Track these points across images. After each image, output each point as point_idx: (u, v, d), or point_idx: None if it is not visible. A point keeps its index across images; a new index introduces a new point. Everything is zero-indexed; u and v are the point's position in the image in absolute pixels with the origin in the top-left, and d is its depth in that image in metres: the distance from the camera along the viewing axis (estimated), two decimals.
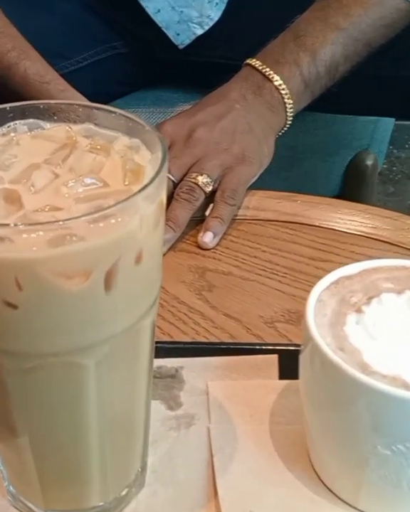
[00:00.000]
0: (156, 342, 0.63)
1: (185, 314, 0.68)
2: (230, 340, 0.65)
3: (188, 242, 0.76)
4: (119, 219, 0.36)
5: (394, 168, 2.04)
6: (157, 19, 1.03)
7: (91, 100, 0.88)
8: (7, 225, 0.35)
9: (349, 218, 0.77)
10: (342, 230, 0.76)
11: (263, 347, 0.61)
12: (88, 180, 0.40)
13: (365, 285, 0.50)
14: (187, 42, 1.05)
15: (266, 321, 0.67)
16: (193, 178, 0.76)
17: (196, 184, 0.76)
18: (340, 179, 1.20)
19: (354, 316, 0.47)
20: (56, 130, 0.44)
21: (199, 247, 0.75)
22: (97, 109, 0.44)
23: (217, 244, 0.76)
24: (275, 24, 0.85)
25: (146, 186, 0.37)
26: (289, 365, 0.60)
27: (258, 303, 0.69)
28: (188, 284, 0.71)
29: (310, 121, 1.11)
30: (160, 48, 1.08)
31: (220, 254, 0.75)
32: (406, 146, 2.07)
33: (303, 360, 0.49)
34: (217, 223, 0.75)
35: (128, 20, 1.07)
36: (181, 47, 1.05)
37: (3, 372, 0.40)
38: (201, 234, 0.75)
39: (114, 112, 0.43)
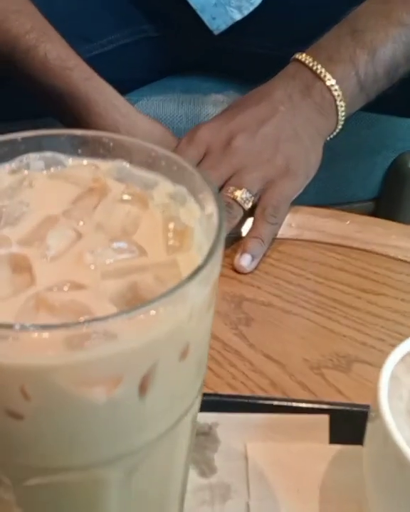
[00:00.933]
0: None
1: (219, 352, 0.59)
2: (271, 388, 0.56)
3: (223, 264, 0.67)
4: (164, 312, 0.27)
5: None
6: (192, 1, 0.93)
7: (115, 87, 0.79)
8: (9, 326, 0.26)
9: (407, 244, 0.68)
10: (398, 257, 0.67)
11: (312, 405, 0.53)
12: (121, 246, 0.31)
13: None
14: (223, 27, 0.94)
15: (312, 365, 0.58)
16: (231, 192, 0.67)
17: (234, 200, 0.67)
18: (379, 182, 1.11)
19: None
20: (80, 169, 0.35)
21: (235, 270, 0.67)
22: (133, 144, 0.35)
23: (255, 268, 0.67)
24: (323, 13, 0.74)
25: (201, 268, 0.28)
26: (341, 427, 0.52)
27: (302, 343, 0.60)
28: (223, 316, 0.63)
29: (352, 119, 1.01)
30: (193, 33, 0.98)
31: (259, 281, 0.66)
32: None
33: (372, 450, 0.41)
34: (256, 244, 0.67)
35: (160, 0, 0.97)
36: (216, 32, 0.95)
37: (3, 488, 0.32)
38: (237, 256, 0.67)
39: (155, 150, 0.34)
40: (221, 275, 0.67)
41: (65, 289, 0.29)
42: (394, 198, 1.12)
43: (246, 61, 0.98)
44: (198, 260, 0.29)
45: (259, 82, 0.76)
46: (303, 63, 0.73)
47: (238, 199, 0.67)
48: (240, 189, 0.67)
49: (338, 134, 0.78)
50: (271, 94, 0.73)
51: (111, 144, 0.35)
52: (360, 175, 1.09)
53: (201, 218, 0.32)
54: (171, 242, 0.31)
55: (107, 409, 0.29)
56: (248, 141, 0.69)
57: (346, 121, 0.76)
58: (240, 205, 0.67)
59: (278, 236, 0.70)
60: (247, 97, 0.74)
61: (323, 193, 1.10)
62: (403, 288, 0.64)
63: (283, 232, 0.70)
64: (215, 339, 0.60)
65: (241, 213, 0.67)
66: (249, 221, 0.69)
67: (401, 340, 0.59)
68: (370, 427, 0.42)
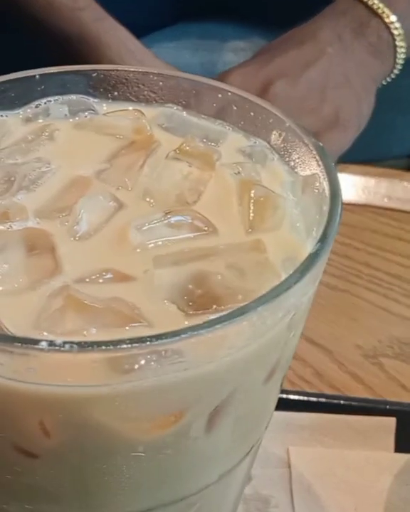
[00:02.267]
0: None
1: None
2: (316, 379, 0.48)
3: None
4: (259, 322, 0.19)
5: None
6: None
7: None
8: (32, 342, 0.17)
9: None
10: None
11: (374, 404, 0.44)
12: (179, 221, 0.22)
13: None
14: None
15: (367, 353, 0.50)
16: None
17: None
18: None
19: None
20: (116, 116, 0.26)
21: None
22: (189, 82, 0.26)
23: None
24: None
25: (315, 257, 0.19)
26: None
27: (353, 326, 0.52)
28: None
29: None
30: None
31: None
32: None
33: None
34: None
35: None
36: None
37: None
38: None
39: (221, 90, 0.25)
40: None
41: (104, 280, 0.20)
42: None
43: (272, 1, 0.87)
44: (296, 242, 0.20)
45: (288, 28, 0.66)
46: None
47: None
48: None
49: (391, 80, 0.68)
50: (317, 34, 0.63)
51: (159, 83, 0.26)
52: (397, 129, 1.00)
53: (293, 184, 0.23)
54: (251, 217, 0.22)
55: (155, 449, 0.21)
56: (289, 87, 0.60)
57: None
58: None
59: None
60: (286, 38, 0.64)
61: (356, 147, 1.00)
62: None
63: None
64: None
65: None
66: None
67: None
68: None
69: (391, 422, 0.43)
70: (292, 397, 0.45)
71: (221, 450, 0.22)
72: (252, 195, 0.22)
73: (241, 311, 0.17)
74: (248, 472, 0.28)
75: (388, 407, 0.44)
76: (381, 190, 0.61)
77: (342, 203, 0.21)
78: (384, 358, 0.49)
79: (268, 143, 0.24)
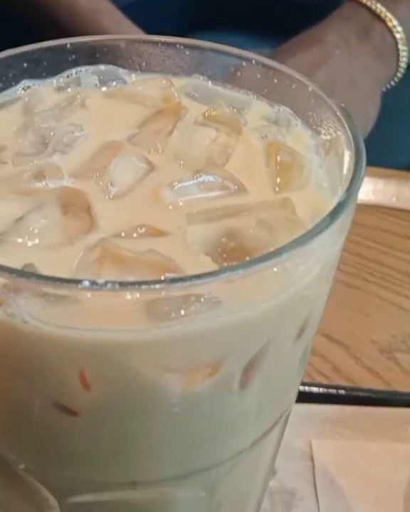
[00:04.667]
0: None
1: None
2: (334, 374, 0.48)
3: None
4: (291, 269, 0.19)
5: None
6: None
7: None
8: (72, 282, 0.18)
9: None
10: None
11: (392, 396, 0.44)
12: (210, 180, 0.22)
13: None
14: None
15: (382, 348, 0.50)
16: None
17: None
18: None
19: None
20: (146, 85, 0.26)
21: None
22: (216, 52, 0.26)
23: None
24: None
25: (342, 206, 0.19)
26: None
27: (368, 321, 0.52)
28: None
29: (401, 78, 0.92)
30: None
31: None
32: None
33: None
34: None
35: None
36: None
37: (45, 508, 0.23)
38: None
39: (246, 59, 0.26)
40: None
41: (137, 234, 0.20)
42: None
43: (282, 12, 0.88)
44: (322, 200, 0.21)
45: None
46: (360, 2, 0.64)
47: None
48: None
49: (395, 84, 0.69)
50: (324, 38, 0.64)
51: (187, 53, 0.26)
52: (401, 139, 1.00)
53: (316, 147, 0.24)
54: (279, 176, 0.22)
55: (192, 405, 0.21)
56: None
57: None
58: None
59: None
60: (295, 42, 0.65)
61: None
62: None
63: None
64: None
65: None
66: None
67: None
68: None
69: (408, 413, 0.43)
70: (312, 389, 0.45)
71: (253, 411, 0.22)
72: (278, 156, 0.23)
73: (274, 254, 0.18)
74: (278, 445, 0.28)
75: (403, 398, 0.44)
76: (390, 191, 0.61)
77: (364, 154, 0.21)
78: (398, 352, 0.49)
79: (291, 109, 0.25)
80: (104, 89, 0.26)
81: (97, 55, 0.26)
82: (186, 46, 0.26)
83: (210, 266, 0.20)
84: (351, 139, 0.22)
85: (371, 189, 0.62)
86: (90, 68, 0.26)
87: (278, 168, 0.22)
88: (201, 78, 0.26)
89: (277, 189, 0.22)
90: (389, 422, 0.43)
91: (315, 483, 0.41)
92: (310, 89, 0.24)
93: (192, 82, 0.26)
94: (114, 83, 0.26)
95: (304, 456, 0.42)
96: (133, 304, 0.18)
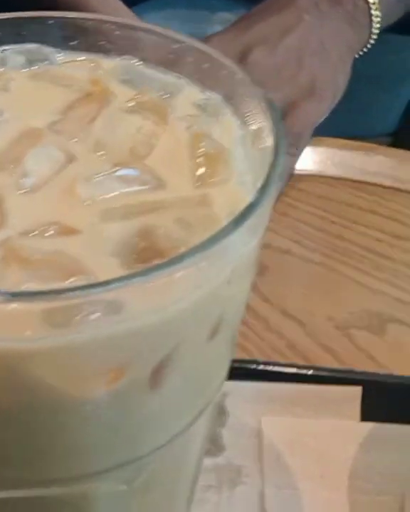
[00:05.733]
0: None
1: None
2: (289, 351, 0.48)
3: None
4: (196, 273, 0.18)
5: None
6: None
7: None
8: None
9: None
10: None
11: (341, 374, 0.44)
12: (128, 174, 0.22)
13: None
14: None
15: (338, 325, 0.50)
16: None
17: None
18: (400, 115, 1.01)
19: None
20: (74, 67, 0.25)
21: None
22: (148, 33, 0.25)
23: (272, 208, 0.57)
24: None
25: (253, 207, 0.19)
26: (376, 402, 0.44)
27: (326, 298, 0.51)
28: None
29: (380, 43, 0.90)
30: None
31: (275, 223, 0.57)
32: None
33: None
34: None
35: None
36: None
37: None
38: None
39: (178, 41, 0.24)
40: None
41: (49, 234, 0.20)
42: None
43: None
44: (242, 196, 0.20)
45: None
46: None
47: None
48: None
49: (366, 53, 0.68)
50: (295, 2, 0.62)
51: (117, 33, 0.25)
52: (379, 106, 0.99)
53: (243, 138, 0.23)
54: (200, 171, 0.22)
55: (101, 407, 0.20)
56: (267, 55, 0.59)
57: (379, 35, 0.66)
58: None
59: (298, 171, 0.60)
60: (265, 5, 0.63)
61: (334, 124, 0.99)
62: None
63: (304, 166, 0.61)
64: None
65: None
66: None
67: None
68: None
69: (357, 391, 0.43)
70: (266, 368, 0.45)
71: (169, 410, 0.22)
72: (201, 149, 0.22)
73: (177, 260, 0.17)
74: (205, 437, 0.28)
75: (354, 376, 0.44)
76: (356, 164, 0.60)
77: (283, 152, 0.20)
78: (354, 329, 0.49)
79: (222, 96, 0.24)
80: (30, 69, 0.25)
81: (24, 33, 0.25)
82: (118, 25, 0.25)
83: (118, 268, 0.19)
84: (272, 132, 0.21)
85: (338, 161, 0.61)
86: (16, 47, 0.25)
87: (200, 161, 0.22)
88: (133, 60, 0.25)
89: (197, 184, 0.21)
90: (339, 400, 0.43)
91: (262, 460, 0.41)
92: (238, 76, 0.23)
93: (123, 64, 0.25)
94: (42, 64, 0.25)
95: (253, 434, 0.43)
96: (29, 313, 0.17)
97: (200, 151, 0.22)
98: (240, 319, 0.25)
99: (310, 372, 0.45)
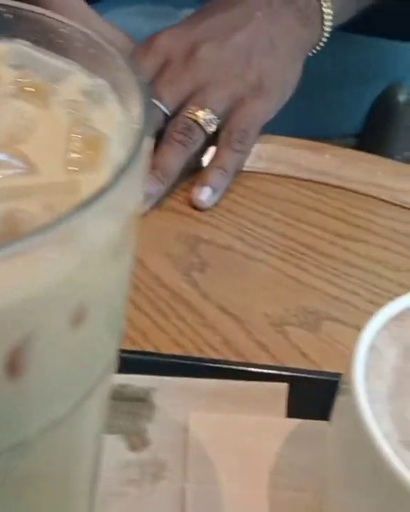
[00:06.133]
0: (123, 351, 0.47)
1: (166, 303, 0.50)
2: (224, 347, 0.48)
3: (178, 198, 0.58)
4: (42, 255, 0.18)
5: None
6: None
7: None
8: None
9: (392, 183, 0.59)
10: (383, 198, 0.58)
11: (270, 370, 0.44)
12: (1, 158, 0.21)
13: None
14: None
15: (274, 322, 0.49)
16: (192, 112, 0.57)
17: (196, 121, 0.57)
18: (365, 115, 1.01)
19: None
20: None
21: (193, 206, 0.57)
22: (41, 16, 0.25)
23: (216, 205, 0.57)
24: None
25: (104, 192, 0.18)
26: (302, 398, 0.44)
27: (264, 294, 0.51)
28: (174, 259, 0.53)
29: (340, 43, 0.90)
30: None
31: (219, 219, 0.57)
32: None
33: (339, 430, 0.32)
34: (218, 175, 0.57)
35: None
36: None
37: None
38: (195, 189, 0.57)
39: (66, 25, 0.24)
40: (175, 212, 0.58)
41: None
42: (379, 134, 1.02)
43: None
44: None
45: None
46: None
47: (200, 121, 0.57)
48: (204, 109, 0.57)
49: (319, 52, 0.68)
50: None
51: (6, 16, 0.25)
52: (344, 106, 0.99)
53: (124, 125, 0.22)
54: (73, 156, 0.21)
55: None
56: (215, 51, 0.59)
57: (332, 35, 0.66)
58: (202, 127, 0.57)
59: (245, 169, 0.60)
60: (218, 1, 0.63)
61: (300, 124, 1.00)
62: (387, 234, 0.55)
63: (251, 164, 0.61)
64: (162, 287, 0.51)
65: (203, 138, 0.57)
66: (213, 149, 0.59)
67: (381, 296, 0.51)
68: (339, 402, 0.33)
69: (283, 387, 0.43)
70: (195, 363, 0.45)
71: (37, 399, 0.21)
72: (78, 135, 0.22)
73: (18, 240, 0.17)
74: (98, 429, 0.28)
75: (282, 372, 0.44)
76: (303, 162, 0.60)
77: (148, 136, 0.20)
78: (289, 326, 0.49)
79: (109, 83, 0.23)
80: None
81: None
82: (8, 8, 0.25)
83: None
84: (140, 115, 0.20)
85: (284, 159, 0.61)
86: None
87: (75, 147, 0.21)
88: (25, 44, 0.25)
89: (70, 170, 0.21)
90: (266, 396, 0.43)
91: (187, 456, 0.41)
92: (120, 62, 0.22)
93: (14, 48, 0.25)
94: None
95: (180, 429, 0.42)
96: None
97: (76, 136, 0.22)
98: (119, 308, 0.24)
99: (239, 368, 0.45)
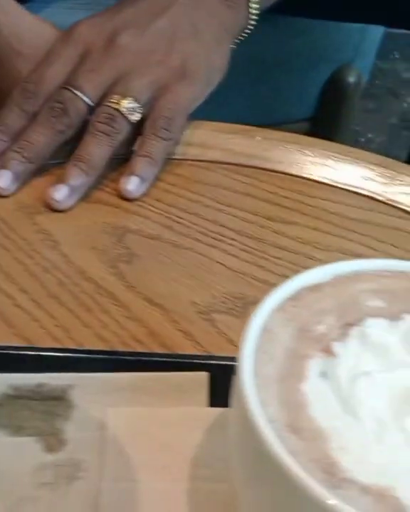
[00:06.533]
0: (39, 348, 0.45)
1: (91, 297, 0.49)
2: (149, 339, 0.46)
3: (107, 190, 0.56)
4: None
5: (377, 82, 1.78)
6: None
7: None
8: None
9: (324, 163, 0.57)
10: (314, 178, 0.56)
11: (191, 360, 0.43)
12: None
13: (340, 302, 0.32)
14: None
15: (201, 309, 0.48)
16: (115, 101, 0.55)
17: (118, 110, 0.55)
18: (316, 99, 1.00)
19: (319, 363, 0.29)
20: None
21: (121, 197, 0.56)
22: None
23: (145, 195, 0.56)
24: None
25: None
26: (226, 386, 0.43)
27: (192, 282, 0.50)
28: (100, 252, 0.52)
29: (283, 27, 0.89)
30: None
31: (148, 209, 0.55)
32: (391, 57, 1.81)
33: (233, 420, 0.31)
34: (145, 164, 0.55)
35: None
36: None
37: None
38: (123, 179, 0.55)
39: None
40: (102, 203, 0.56)
41: None
42: (332, 116, 1.01)
43: None
44: None
45: None
46: None
47: (123, 110, 0.55)
48: (126, 98, 0.55)
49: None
50: None
51: None
52: (294, 91, 0.98)
53: None
54: None
55: None
56: (135, 38, 0.57)
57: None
58: (125, 117, 0.55)
59: (176, 157, 0.59)
60: None
61: (251, 111, 0.99)
62: (317, 214, 0.54)
63: (182, 151, 0.59)
64: (86, 280, 0.49)
65: (127, 127, 0.56)
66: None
67: None
68: (233, 388, 0.32)
69: (204, 376, 0.42)
70: (115, 357, 0.44)
71: None
72: None
73: None
74: None
75: (204, 361, 0.42)
76: (235, 147, 0.59)
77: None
78: (216, 313, 0.48)
79: None
80: None
81: None
82: None
83: None
84: None
85: (216, 145, 0.60)
86: None
87: None
88: None
89: None
90: (186, 386, 0.42)
91: (105, 452, 0.40)
92: None
93: None
94: None
95: (98, 426, 0.41)
96: None
97: None
98: None
99: (162, 359, 0.43)
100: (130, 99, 0.55)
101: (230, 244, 0.52)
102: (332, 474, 0.25)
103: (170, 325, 0.47)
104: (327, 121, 1.02)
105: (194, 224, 0.54)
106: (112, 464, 0.39)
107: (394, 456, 0.25)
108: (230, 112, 1.00)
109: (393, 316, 0.30)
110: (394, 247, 0.50)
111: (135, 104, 0.56)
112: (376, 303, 0.31)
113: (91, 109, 0.56)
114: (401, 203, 0.53)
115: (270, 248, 0.51)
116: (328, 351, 0.29)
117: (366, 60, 1.01)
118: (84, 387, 0.42)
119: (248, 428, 0.27)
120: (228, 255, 0.51)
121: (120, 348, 0.46)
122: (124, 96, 0.55)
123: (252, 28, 0.64)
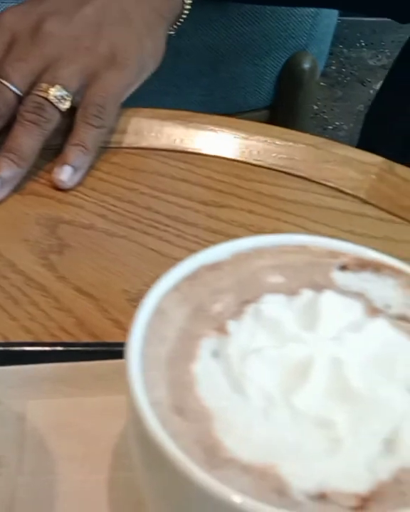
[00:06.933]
0: None
1: (19, 289, 0.47)
2: (77, 329, 0.45)
3: (41, 181, 0.55)
4: None
5: (343, 70, 1.77)
6: None
7: None
8: None
9: (260, 146, 0.56)
10: (249, 161, 0.55)
11: (111, 348, 0.41)
12: None
13: (240, 280, 0.30)
14: None
15: (132, 297, 0.47)
16: (44, 90, 0.54)
17: (47, 99, 0.54)
18: (272, 87, 0.98)
19: (211, 342, 0.28)
20: None
21: (55, 187, 0.54)
22: None
23: (80, 184, 0.55)
24: None
25: None
26: None
27: (124, 270, 0.49)
28: (31, 244, 0.50)
29: (235, 15, 0.88)
30: None
31: (82, 199, 0.54)
32: (358, 45, 1.80)
33: (126, 413, 0.30)
34: (78, 153, 0.54)
35: None
36: None
37: None
38: (56, 169, 0.54)
39: None
40: (35, 194, 0.55)
41: None
42: (290, 103, 1.00)
43: None
44: None
45: None
46: None
47: (51, 98, 0.54)
48: (54, 86, 0.54)
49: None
50: None
51: None
52: (250, 79, 0.97)
53: None
54: None
55: None
56: (62, 25, 0.56)
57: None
58: (54, 105, 0.54)
59: (112, 145, 0.58)
60: None
61: (209, 101, 0.98)
62: (251, 197, 0.53)
63: (118, 139, 0.58)
64: (16, 273, 0.48)
65: (57, 116, 0.54)
66: None
67: None
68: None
69: (122, 364, 0.40)
70: (30, 349, 0.43)
71: None
72: None
73: None
74: None
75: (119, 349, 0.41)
76: (171, 132, 0.58)
77: None
78: None
79: None
80: None
81: None
82: None
83: None
84: None
85: (152, 131, 0.58)
86: None
87: None
88: None
89: None
90: (109, 375, 0.41)
91: (23, 447, 0.39)
92: None
93: None
94: None
95: (19, 420, 0.40)
96: None
97: None
98: None
99: (83, 349, 0.42)
100: (59, 87, 0.54)
101: (165, 231, 0.51)
102: (214, 455, 0.24)
103: (100, 314, 0.46)
104: (285, 109, 1.01)
105: (129, 212, 0.53)
106: (33, 458, 0.38)
107: (280, 433, 0.24)
108: (186, 101, 0.99)
109: (292, 292, 0.29)
110: (328, 226, 0.49)
111: (64, 92, 0.54)
112: (275, 279, 0.30)
113: (20, 99, 0.55)
114: (334, 182, 0.52)
115: (203, 232, 0.50)
116: (222, 330, 0.28)
117: (322, 46, 0.99)
118: (4, 381, 0.41)
119: (133, 412, 0.26)
120: (161, 241, 0.50)
121: (47, 340, 0.45)
122: (52, 84, 0.54)
123: (187, 13, 0.63)
